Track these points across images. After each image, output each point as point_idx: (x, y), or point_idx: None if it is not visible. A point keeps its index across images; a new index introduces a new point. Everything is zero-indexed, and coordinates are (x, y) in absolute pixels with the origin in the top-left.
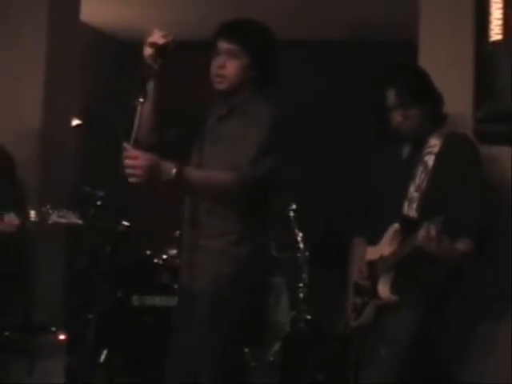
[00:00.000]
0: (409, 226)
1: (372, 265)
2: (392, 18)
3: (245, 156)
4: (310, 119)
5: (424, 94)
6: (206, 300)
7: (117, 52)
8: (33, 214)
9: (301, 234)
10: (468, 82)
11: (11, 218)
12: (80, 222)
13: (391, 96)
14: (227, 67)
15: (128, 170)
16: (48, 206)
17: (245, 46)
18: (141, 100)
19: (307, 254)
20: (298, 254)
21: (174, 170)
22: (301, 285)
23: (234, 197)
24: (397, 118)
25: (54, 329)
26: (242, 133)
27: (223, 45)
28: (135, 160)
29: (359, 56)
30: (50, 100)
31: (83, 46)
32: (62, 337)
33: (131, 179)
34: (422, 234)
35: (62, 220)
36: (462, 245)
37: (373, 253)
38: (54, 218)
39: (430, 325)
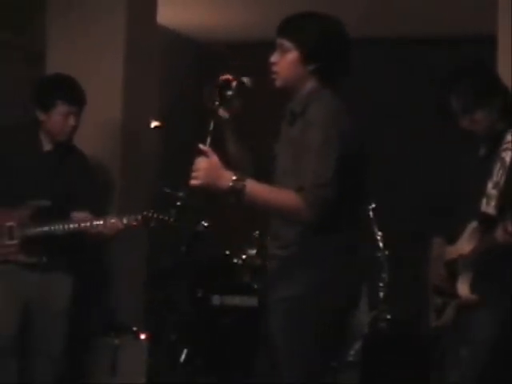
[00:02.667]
0: (487, 224)
1: (451, 264)
2: (471, 14)
3: (309, 173)
4: (389, 117)
5: (487, 95)
6: (284, 307)
7: (194, 54)
8: (136, 218)
9: (380, 233)
10: None
11: (115, 222)
12: (179, 224)
13: (454, 102)
14: (279, 63)
15: (192, 173)
16: (151, 211)
17: (292, 39)
18: (217, 103)
19: (387, 253)
20: (378, 254)
21: (233, 178)
22: (381, 284)
23: (303, 220)
24: (463, 122)
25: (135, 328)
26: (301, 139)
27: (277, 41)
28: (198, 163)
29: (438, 54)
30: (129, 102)
31: (160, 48)
32: (143, 336)
33: (191, 182)
34: (500, 231)
35: (161, 217)
36: None
37: (452, 252)
38: (156, 220)
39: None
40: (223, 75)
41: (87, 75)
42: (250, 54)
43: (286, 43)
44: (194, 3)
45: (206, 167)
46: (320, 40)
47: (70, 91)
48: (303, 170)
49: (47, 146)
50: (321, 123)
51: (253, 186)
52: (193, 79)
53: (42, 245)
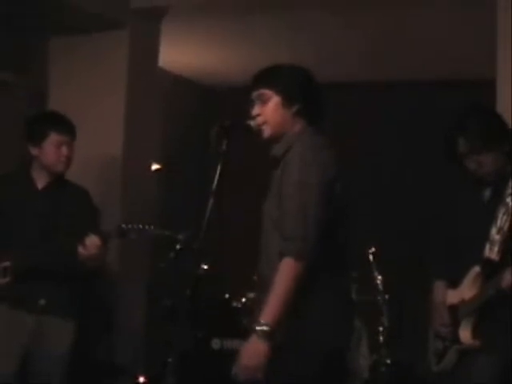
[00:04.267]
0: (490, 269)
1: (453, 309)
2: (471, 58)
3: (287, 223)
4: (390, 161)
5: (496, 137)
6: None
7: (196, 97)
8: (112, 231)
9: (380, 277)
10: None
11: (92, 240)
12: (161, 232)
13: (462, 144)
14: (263, 113)
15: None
16: (125, 224)
17: (271, 86)
18: (223, 147)
19: (387, 296)
20: (378, 297)
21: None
22: (381, 328)
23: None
24: (470, 164)
25: (134, 371)
26: (281, 182)
27: (254, 95)
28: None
29: (440, 97)
30: (130, 145)
31: (163, 91)
32: (141, 379)
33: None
34: (506, 277)
35: (141, 227)
36: None
37: (453, 296)
38: (134, 231)
39: None
40: (228, 118)
41: (88, 117)
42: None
43: (266, 92)
44: (197, 47)
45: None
46: (296, 83)
47: (60, 122)
48: (282, 218)
49: (41, 184)
50: (296, 166)
51: (268, 318)
52: (195, 122)
53: (40, 285)
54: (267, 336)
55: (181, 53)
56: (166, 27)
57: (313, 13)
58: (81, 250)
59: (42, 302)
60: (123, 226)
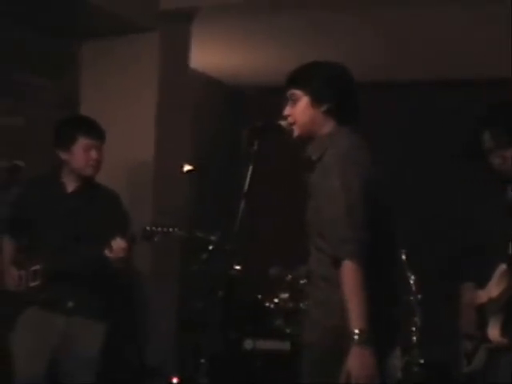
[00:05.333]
0: None
1: (481, 308)
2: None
3: (335, 229)
4: (415, 160)
5: None
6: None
7: (226, 97)
8: (138, 234)
9: (413, 277)
10: None
11: (118, 243)
12: (185, 233)
13: (487, 138)
14: (293, 113)
15: None
16: (150, 226)
17: (300, 86)
18: (255, 148)
19: (419, 296)
20: (411, 297)
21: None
22: (413, 328)
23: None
24: (495, 160)
25: (166, 372)
26: (320, 187)
27: (287, 94)
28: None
29: (463, 96)
30: (162, 146)
31: (192, 92)
32: (174, 380)
33: None
34: None
35: (166, 230)
36: None
37: (482, 296)
38: (159, 234)
39: None
40: (258, 119)
41: (120, 120)
42: (282, 97)
43: (296, 92)
44: (225, 47)
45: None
46: (325, 82)
47: (89, 126)
48: (327, 222)
49: (71, 187)
50: (337, 168)
51: (357, 324)
52: (224, 123)
53: (69, 288)
54: (365, 341)
55: (210, 54)
56: (194, 28)
57: (333, 14)
58: (107, 252)
59: (71, 303)
60: (148, 228)
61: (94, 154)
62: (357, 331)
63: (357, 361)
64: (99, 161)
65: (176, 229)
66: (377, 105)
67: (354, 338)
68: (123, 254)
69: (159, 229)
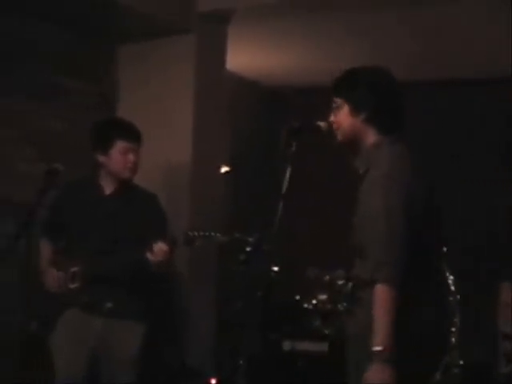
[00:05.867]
0: None
1: None
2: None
3: (376, 249)
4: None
5: None
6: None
7: (261, 98)
8: (179, 238)
9: (452, 277)
10: None
11: (160, 246)
12: (226, 238)
13: None
14: (336, 120)
15: None
16: (192, 231)
17: (341, 94)
18: (292, 148)
19: (459, 297)
20: (450, 298)
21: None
22: (453, 329)
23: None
24: None
25: (206, 373)
26: (365, 201)
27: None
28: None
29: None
30: (199, 148)
31: (228, 93)
32: (213, 381)
33: None
34: None
35: (208, 235)
36: None
37: None
38: (201, 238)
39: None
40: (295, 120)
41: (158, 122)
42: (317, 97)
43: (338, 100)
44: (261, 48)
45: None
46: (364, 90)
47: (126, 129)
48: (367, 243)
49: (108, 190)
50: (379, 189)
51: (380, 343)
52: (260, 124)
53: (107, 289)
54: (385, 359)
55: (246, 55)
56: (231, 29)
57: (370, 15)
58: (149, 256)
59: (109, 305)
60: (190, 233)
61: (131, 157)
62: (380, 348)
63: (377, 377)
64: (136, 164)
65: (217, 233)
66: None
67: (376, 355)
68: (164, 258)
69: (201, 233)
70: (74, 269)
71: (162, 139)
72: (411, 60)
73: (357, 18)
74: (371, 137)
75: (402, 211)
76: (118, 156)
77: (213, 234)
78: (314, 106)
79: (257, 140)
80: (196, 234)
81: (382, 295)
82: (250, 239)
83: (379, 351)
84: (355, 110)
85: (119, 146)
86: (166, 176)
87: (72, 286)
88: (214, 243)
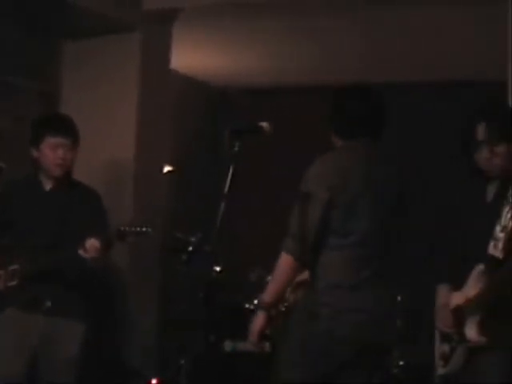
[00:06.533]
0: (494, 267)
1: (458, 309)
2: (486, 59)
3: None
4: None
5: None
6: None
7: (207, 98)
8: (111, 234)
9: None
10: None
11: (91, 242)
12: (160, 234)
13: (481, 131)
14: None
15: None
16: (124, 226)
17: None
18: (236, 149)
19: (399, 298)
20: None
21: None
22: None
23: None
24: (484, 153)
25: (146, 374)
26: None
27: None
28: None
29: (453, 98)
30: (142, 147)
31: (173, 93)
32: (154, 381)
33: None
34: None
35: (140, 230)
36: None
37: (458, 298)
38: (133, 234)
39: None
40: (240, 120)
41: (101, 120)
42: (264, 99)
43: None
44: (207, 49)
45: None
46: (335, 106)
47: (56, 124)
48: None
49: (48, 186)
50: (306, 179)
51: (270, 296)
52: (206, 124)
53: (47, 288)
54: (265, 308)
55: (193, 55)
56: (176, 29)
57: (318, 16)
58: (81, 252)
59: (48, 303)
60: (122, 228)
61: (60, 152)
62: (265, 300)
63: (256, 322)
64: (68, 160)
65: (149, 229)
66: None
67: (260, 304)
68: (97, 254)
69: (132, 229)
70: (13, 266)
71: (106, 136)
72: (361, 61)
73: (303, 18)
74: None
75: (315, 199)
76: (47, 151)
77: (144, 229)
78: (260, 107)
79: (203, 140)
80: (128, 229)
81: (280, 260)
82: (192, 239)
83: (263, 302)
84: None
85: (48, 141)
86: (110, 173)
87: (10, 284)
88: (154, 241)
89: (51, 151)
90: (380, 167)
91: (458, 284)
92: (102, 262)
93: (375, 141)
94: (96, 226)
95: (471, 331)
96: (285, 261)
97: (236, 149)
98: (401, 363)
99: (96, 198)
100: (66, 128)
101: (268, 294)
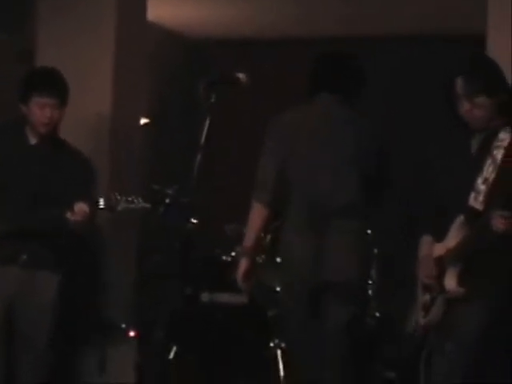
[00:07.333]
0: (474, 218)
1: (439, 260)
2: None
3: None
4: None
5: (493, 84)
6: None
7: (184, 51)
8: (101, 201)
9: (369, 231)
10: None
11: (81, 206)
12: (148, 205)
13: (460, 83)
14: None
15: None
16: (116, 193)
17: None
18: (211, 100)
19: (376, 250)
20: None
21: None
22: (370, 282)
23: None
24: (465, 105)
25: (124, 325)
26: None
27: None
28: None
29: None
30: (119, 99)
31: (151, 45)
32: (132, 333)
33: None
34: (497, 218)
35: (131, 205)
36: None
37: (440, 249)
38: (123, 204)
39: (503, 319)
40: (217, 71)
41: (77, 72)
42: (241, 50)
43: None
44: (184, 0)
45: None
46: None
47: (43, 83)
48: None
49: (32, 140)
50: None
51: (247, 241)
52: (184, 76)
53: (24, 243)
54: (246, 253)
55: (169, 6)
56: None
57: None
58: (69, 215)
59: (24, 257)
60: (112, 197)
61: (47, 111)
62: (244, 245)
63: (240, 266)
64: (54, 119)
65: (139, 199)
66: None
67: (241, 250)
68: (84, 218)
69: (123, 198)
70: None
71: (83, 90)
72: (341, 13)
73: None
74: None
75: (267, 151)
76: (35, 110)
77: (135, 200)
78: (238, 59)
79: (179, 92)
80: (118, 198)
81: (252, 209)
82: (169, 191)
83: (244, 247)
84: None
85: (35, 100)
86: (87, 127)
87: None
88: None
89: (39, 110)
90: (338, 122)
91: (440, 236)
92: (86, 227)
93: (344, 98)
94: (83, 190)
95: (450, 282)
96: (255, 208)
97: (212, 100)
98: (377, 314)
99: (82, 159)
100: (54, 87)
101: (246, 240)
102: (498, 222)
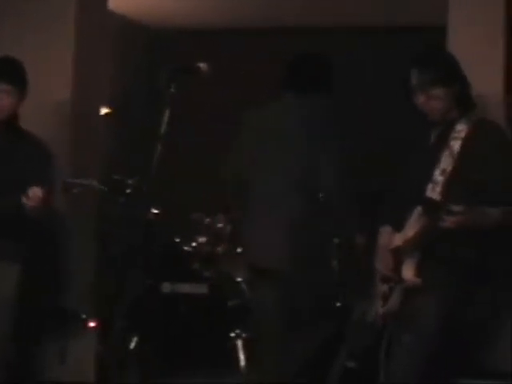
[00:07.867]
0: (431, 209)
1: (397, 251)
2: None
3: None
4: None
5: (448, 76)
6: None
7: (146, 40)
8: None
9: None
10: (499, 66)
11: (35, 191)
12: (103, 188)
13: (415, 75)
14: None
15: None
16: (70, 178)
17: None
18: (172, 90)
19: (337, 241)
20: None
21: None
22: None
23: None
24: (420, 97)
25: (84, 316)
26: None
27: None
28: None
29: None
30: (79, 88)
31: (112, 34)
32: (92, 324)
33: None
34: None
35: (87, 186)
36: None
37: (398, 239)
38: (78, 186)
39: (461, 309)
40: (179, 61)
41: (37, 60)
42: (202, 40)
43: None
44: None
45: None
46: None
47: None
48: None
49: None
50: None
51: None
52: (144, 65)
53: None
54: None
55: None
56: None
57: None
58: (24, 200)
59: None
60: (68, 180)
61: (3, 98)
62: None
63: None
64: (7, 106)
65: (95, 181)
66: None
67: None
68: (39, 203)
69: (78, 181)
70: None
71: (42, 79)
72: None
73: None
74: None
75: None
76: None
77: (90, 181)
78: (200, 48)
79: (140, 81)
80: (73, 181)
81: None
82: (130, 181)
83: None
84: None
85: None
86: (46, 115)
87: None
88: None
89: None
90: (294, 125)
91: (399, 226)
92: (42, 212)
93: (310, 98)
94: (39, 175)
95: (408, 272)
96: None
97: (172, 90)
98: (338, 304)
99: (40, 146)
100: (9, 74)
101: None
102: (446, 219)
